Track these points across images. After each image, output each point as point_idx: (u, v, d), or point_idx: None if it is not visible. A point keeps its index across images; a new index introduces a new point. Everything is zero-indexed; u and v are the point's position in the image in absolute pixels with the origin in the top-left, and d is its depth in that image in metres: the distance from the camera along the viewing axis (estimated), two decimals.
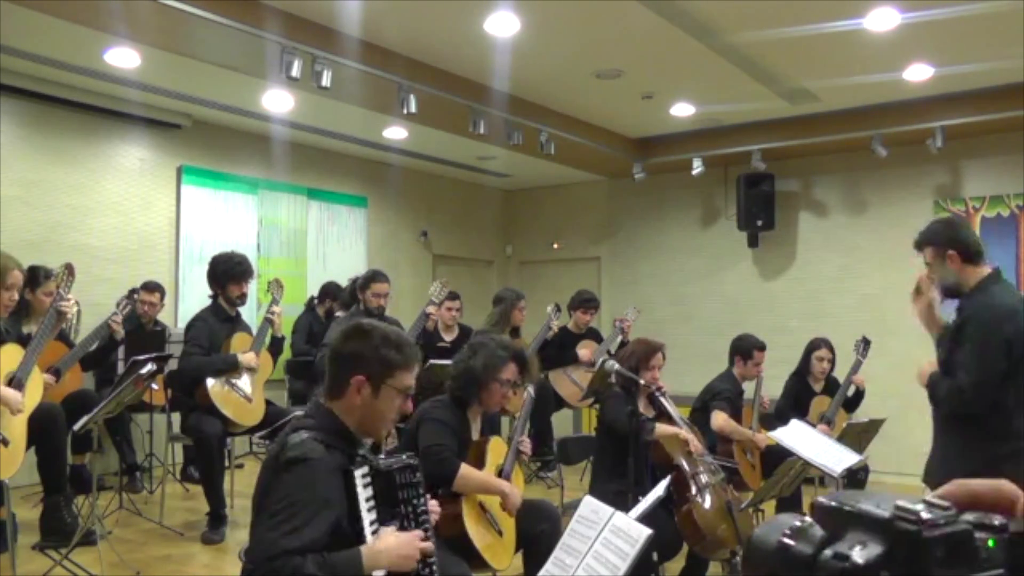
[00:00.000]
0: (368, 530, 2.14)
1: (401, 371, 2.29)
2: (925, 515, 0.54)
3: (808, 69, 6.57)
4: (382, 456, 2.31)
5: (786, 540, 0.58)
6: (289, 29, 5.40)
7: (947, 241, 3.36)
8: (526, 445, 3.73)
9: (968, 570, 0.54)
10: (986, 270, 3.36)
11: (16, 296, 4.33)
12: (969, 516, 0.57)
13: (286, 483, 2.06)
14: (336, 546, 2.07)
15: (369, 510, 2.16)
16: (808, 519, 0.59)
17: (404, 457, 2.32)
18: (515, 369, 3.50)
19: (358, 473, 2.15)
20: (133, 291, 5.85)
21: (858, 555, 0.54)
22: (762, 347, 5.38)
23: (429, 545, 2.23)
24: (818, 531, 0.58)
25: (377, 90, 6.42)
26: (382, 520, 2.19)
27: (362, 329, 2.33)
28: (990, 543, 0.56)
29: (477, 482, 3.32)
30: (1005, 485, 0.63)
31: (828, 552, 0.56)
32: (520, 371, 3.54)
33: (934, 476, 3.42)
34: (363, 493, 2.15)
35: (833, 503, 0.58)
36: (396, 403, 2.30)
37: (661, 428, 4.18)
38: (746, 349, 5.35)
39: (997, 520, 0.58)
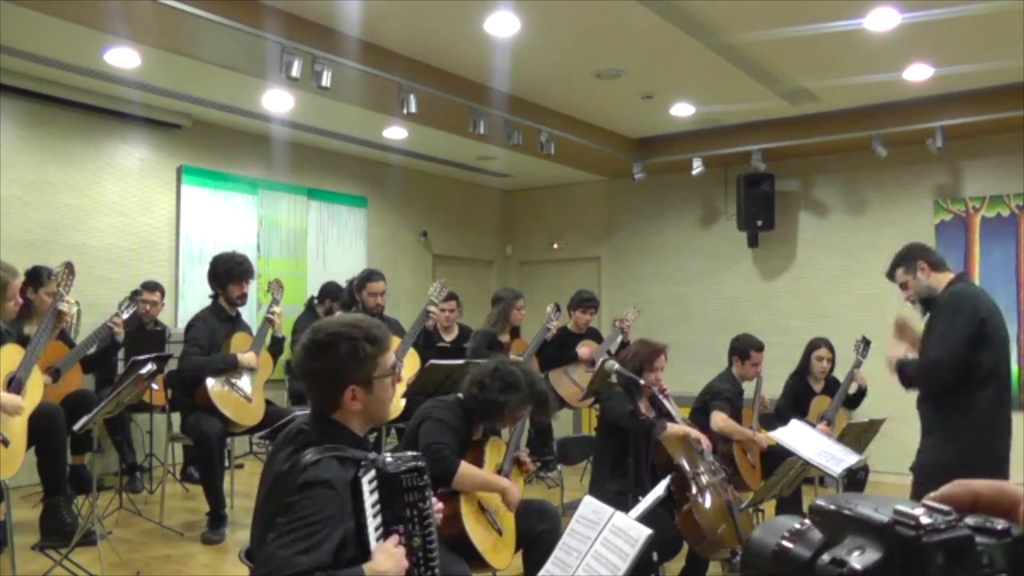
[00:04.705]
0: (373, 537, 2.08)
1: (381, 358, 2.23)
2: (924, 520, 0.54)
3: (808, 69, 6.57)
4: (387, 454, 2.24)
5: (784, 543, 0.57)
6: (289, 29, 5.39)
7: (914, 256, 3.83)
8: (525, 458, 3.73)
9: None
10: (951, 275, 3.77)
11: (20, 301, 4.34)
12: (971, 520, 0.56)
13: (304, 505, 2.00)
14: (342, 555, 2.03)
15: (375, 516, 2.10)
16: (806, 522, 0.59)
17: (410, 456, 2.23)
18: (532, 408, 3.53)
19: (365, 480, 2.09)
20: (136, 293, 5.83)
21: (856, 561, 0.53)
22: (759, 347, 5.37)
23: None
24: (816, 534, 0.57)
25: (377, 90, 6.42)
26: (387, 525, 2.12)
27: (323, 342, 2.22)
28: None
29: (477, 480, 3.32)
30: (1007, 486, 0.63)
31: (826, 557, 0.55)
32: (536, 410, 3.56)
33: (921, 462, 3.77)
34: (369, 499, 2.09)
35: (831, 506, 0.58)
36: (388, 383, 2.27)
37: (672, 428, 4.19)
38: (743, 349, 5.36)
39: (1000, 524, 0.57)
